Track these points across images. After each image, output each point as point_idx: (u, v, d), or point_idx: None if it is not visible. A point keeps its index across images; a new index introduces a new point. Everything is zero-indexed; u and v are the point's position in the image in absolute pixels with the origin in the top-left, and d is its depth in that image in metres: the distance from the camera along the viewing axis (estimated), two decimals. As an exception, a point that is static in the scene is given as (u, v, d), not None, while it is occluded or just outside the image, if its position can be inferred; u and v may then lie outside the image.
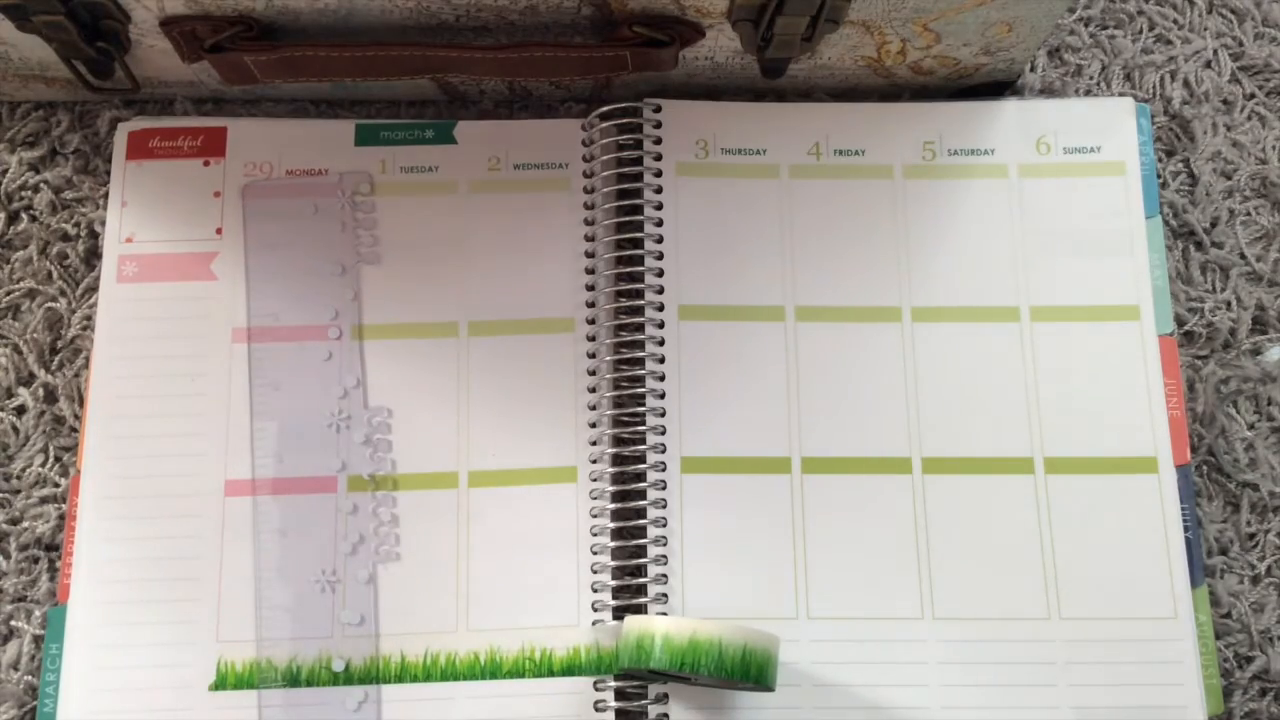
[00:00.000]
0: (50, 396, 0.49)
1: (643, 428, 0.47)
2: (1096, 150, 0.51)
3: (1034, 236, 0.50)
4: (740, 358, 0.48)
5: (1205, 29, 0.55)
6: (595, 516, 0.47)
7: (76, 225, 0.50)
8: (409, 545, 0.46)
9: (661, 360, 0.48)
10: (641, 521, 0.46)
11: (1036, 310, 0.49)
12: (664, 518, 0.46)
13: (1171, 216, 0.52)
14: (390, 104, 0.53)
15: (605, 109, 0.50)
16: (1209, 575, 0.48)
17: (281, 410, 0.47)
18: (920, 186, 0.51)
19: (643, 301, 0.49)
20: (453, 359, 0.48)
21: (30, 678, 0.46)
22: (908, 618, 0.46)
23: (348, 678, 0.45)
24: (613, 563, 0.46)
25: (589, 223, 0.50)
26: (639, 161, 0.50)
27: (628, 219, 0.50)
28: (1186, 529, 0.47)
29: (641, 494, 0.47)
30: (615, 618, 0.46)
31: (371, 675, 0.45)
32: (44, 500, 0.48)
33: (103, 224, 0.50)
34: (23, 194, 0.51)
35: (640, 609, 0.45)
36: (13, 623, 0.46)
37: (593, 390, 0.48)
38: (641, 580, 0.46)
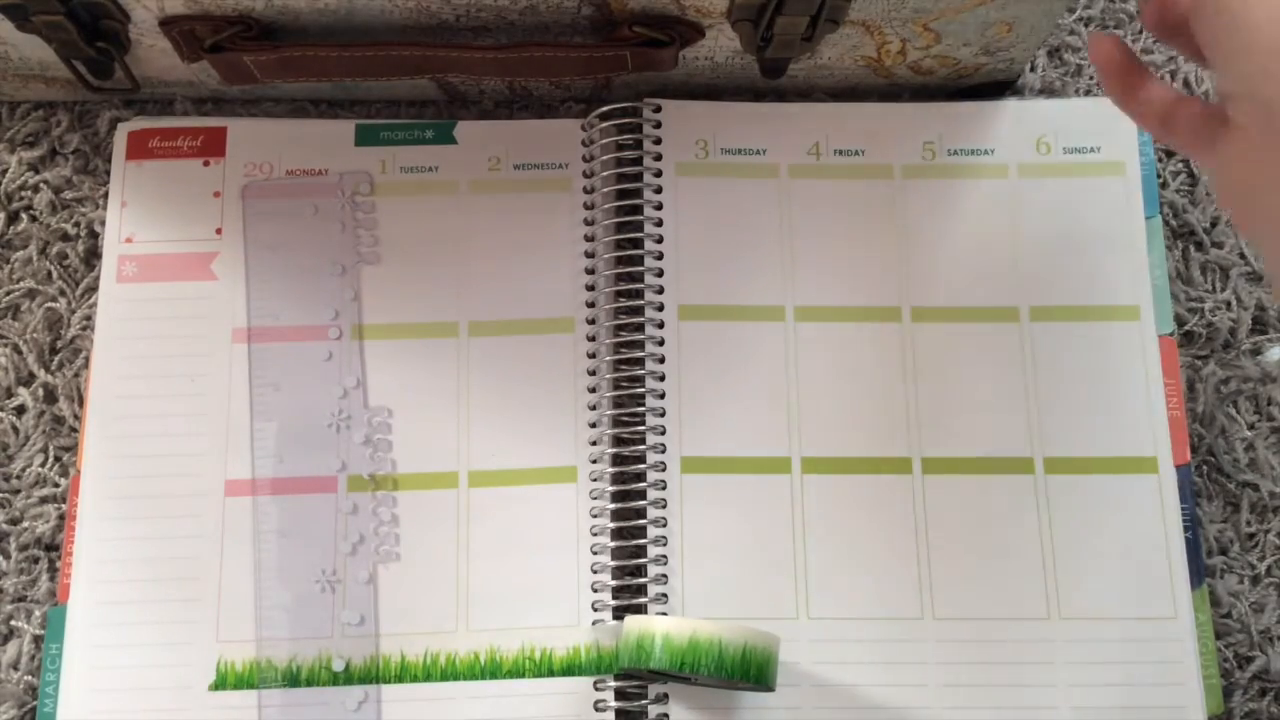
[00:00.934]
0: (50, 396, 0.49)
1: (643, 428, 0.47)
2: (1096, 150, 0.51)
3: (1034, 236, 0.50)
4: (740, 358, 0.48)
5: (1205, 29, 0.55)
6: (595, 516, 0.47)
7: (76, 225, 0.50)
8: (409, 545, 0.46)
9: (661, 360, 0.48)
10: (641, 521, 0.46)
11: (1036, 310, 0.49)
12: (664, 518, 0.46)
13: (1171, 216, 0.52)
14: (390, 104, 0.53)
15: (605, 109, 0.50)
16: (1209, 575, 0.48)
17: (282, 410, 0.47)
18: (920, 186, 0.51)
19: (643, 301, 0.49)
20: (453, 359, 0.48)
21: (30, 678, 0.46)
22: (908, 618, 0.46)
23: (348, 678, 0.45)
24: (613, 563, 0.46)
25: (589, 223, 0.50)
26: (639, 161, 0.50)
27: (628, 219, 0.50)
28: (1186, 529, 0.47)
29: (641, 494, 0.47)
30: (615, 618, 0.46)
31: (371, 675, 0.45)
32: (44, 500, 0.48)
33: (103, 224, 0.50)
34: (23, 194, 0.51)
35: (640, 609, 0.45)
36: (13, 623, 0.46)
37: (593, 390, 0.48)
38: (641, 580, 0.46)
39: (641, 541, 0.46)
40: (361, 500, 0.47)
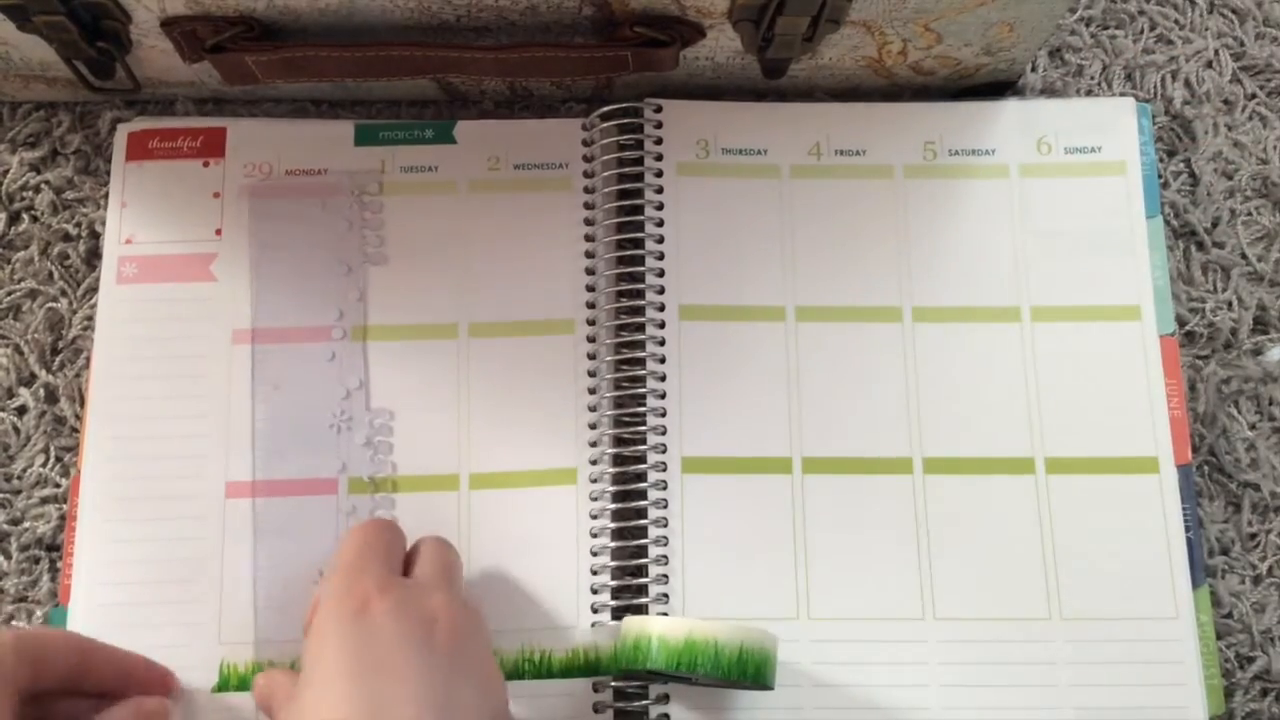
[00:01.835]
0: (51, 397, 0.49)
1: (643, 428, 0.47)
2: (1097, 150, 0.51)
3: (1035, 236, 0.50)
4: (740, 358, 0.48)
5: (1206, 29, 0.55)
6: (595, 517, 0.47)
7: (77, 225, 0.51)
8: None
9: (662, 360, 0.48)
10: (641, 522, 0.46)
11: (1037, 310, 0.49)
12: (664, 518, 0.46)
13: (1172, 216, 0.52)
14: (391, 104, 0.53)
15: (606, 109, 0.50)
16: (1210, 575, 0.48)
17: (283, 411, 0.47)
18: (921, 186, 0.51)
19: (643, 301, 0.49)
20: (453, 361, 0.48)
21: (31, 678, 0.46)
22: (908, 618, 0.46)
23: None
24: (613, 563, 0.46)
25: (589, 223, 0.50)
26: (639, 161, 0.50)
27: (628, 219, 0.50)
28: (1187, 529, 0.47)
29: (641, 494, 0.47)
30: (615, 618, 0.45)
31: None
32: (45, 500, 0.48)
33: (104, 224, 0.50)
34: (24, 194, 0.51)
35: (641, 609, 0.45)
36: (14, 623, 0.46)
37: (593, 391, 0.48)
38: (642, 580, 0.46)
39: (642, 542, 0.46)
40: (362, 503, 0.47)
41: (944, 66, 0.50)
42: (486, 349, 0.48)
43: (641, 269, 0.49)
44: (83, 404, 0.48)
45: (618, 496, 0.47)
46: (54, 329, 0.50)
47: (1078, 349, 0.49)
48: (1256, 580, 0.48)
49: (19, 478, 0.48)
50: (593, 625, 0.46)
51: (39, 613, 0.46)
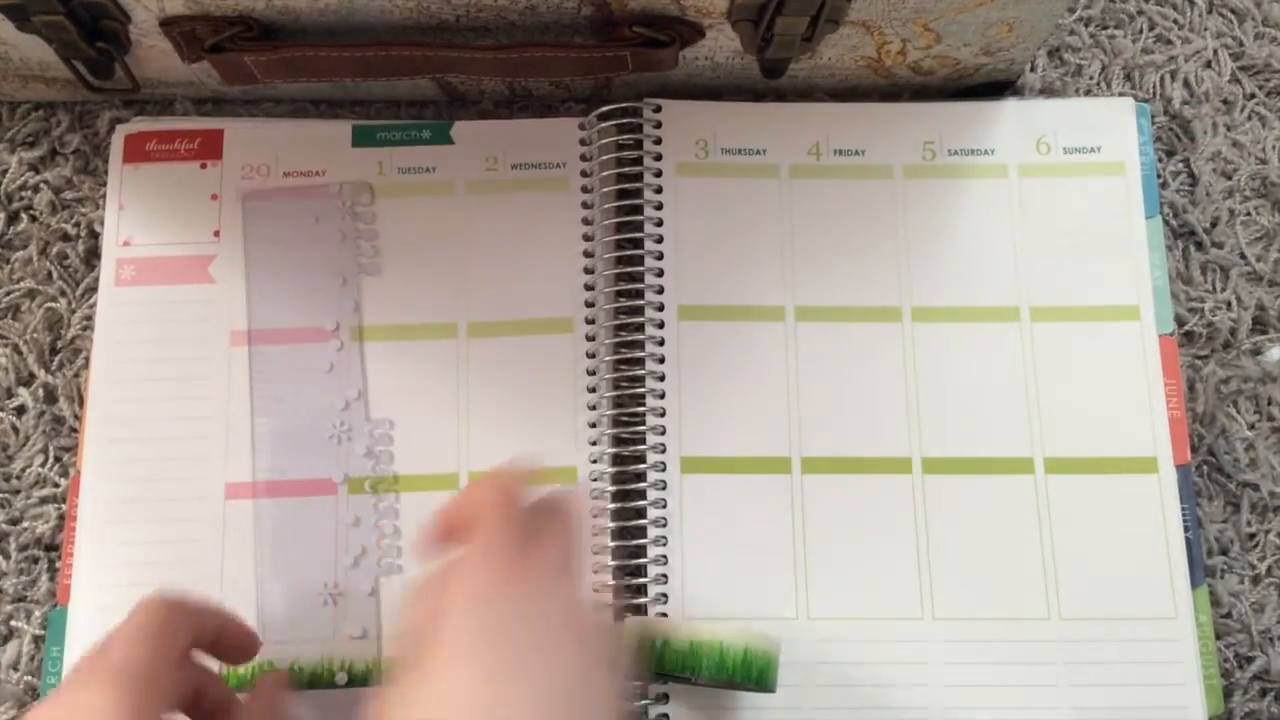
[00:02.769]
0: (50, 397, 0.49)
1: (643, 428, 0.47)
2: (1096, 150, 0.51)
3: (1034, 236, 0.50)
4: (740, 358, 0.48)
5: (1205, 29, 0.55)
6: (595, 517, 0.47)
7: (76, 225, 0.50)
8: (411, 557, 0.46)
9: (661, 360, 0.48)
10: (642, 521, 0.46)
11: (1036, 310, 0.49)
12: (664, 518, 0.46)
13: (1171, 216, 0.52)
14: (391, 104, 0.53)
15: (605, 109, 0.50)
16: (1209, 575, 0.48)
17: (282, 414, 0.47)
18: (920, 186, 0.51)
19: (643, 301, 0.49)
20: (452, 361, 0.48)
21: (30, 678, 0.46)
22: (908, 618, 0.46)
23: (349, 687, 0.45)
24: (613, 563, 0.46)
25: (588, 223, 0.50)
26: (639, 161, 0.50)
27: (627, 219, 0.50)
28: (1187, 529, 0.47)
29: (641, 494, 0.47)
30: (615, 618, 0.45)
31: (374, 682, 0.45)
32: (44, 500, 0.48)
33: (102, 224, 0.50)
34: (23, 194, 0.51)
35: (640, 609, 0.45)
36: (13, 623, 0.46)
37: (593, 390, 0.48)
38: (642, 580, 0.46)
39: (642, 541, 0.46)
40: (363, 510, 0.46)
41: (943, 66, 0.50)
42: (486, 349, 0.48)
43: (641, 269, 0.49)
44: (82, 404, 0.48)
45: (617, 496, 0.47)
46: (53, 329, 0.50)
47: (1077, 349, 0.49)
48: (1255, 580, 0.48)
49: (18, 478, 0.48)
50: (592, 625, 0.46)
51: (38, 613, 0.46)
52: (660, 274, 0.49)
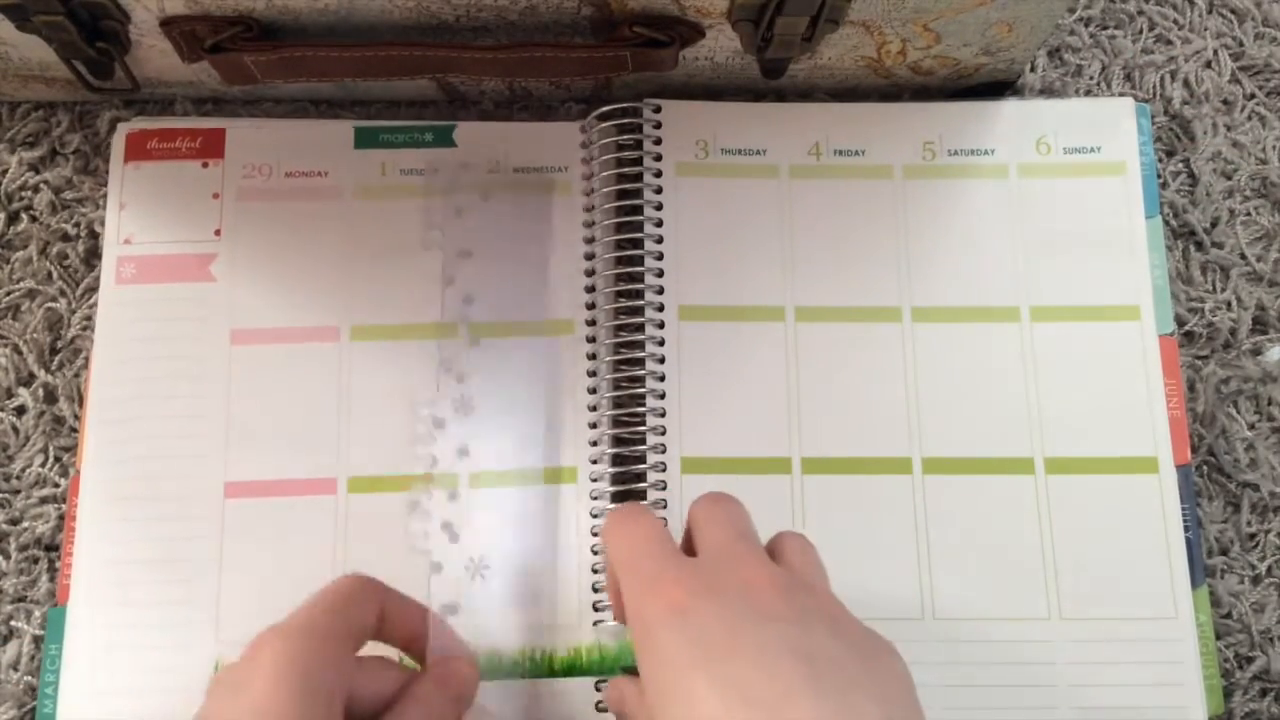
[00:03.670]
0: (50, 396, 0.49)
1: (643, 428, 0.47)
2: (1096, 150, 0.51)
3: (1034, 236, 0.50)
4: (740, 358, 0.48)
5: (1205, 29, 0.55)
6: (595, 517, 0.47)
7: (76, 225, 0.50)
8: None
9: (661, 360, 0.48)
10: (641, 522, 0.46)
11: (1036, 310, 0.49)
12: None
13: (1172, 216, 0.52)
14: (391, 104, 0.53)
15: (605, 109, 0.50)
16: (1209, 575, 0.48)
17: (281, 413, 0.47)
18: (920, 186, 0.51)
19: (643, 302, 0.49)
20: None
21: (30, 678, 0.46)
22: (908, 618, 0.46)
23: None
24: (613, 563, 0.46)
25: (588, 224, 0.50)
26: (639, 162, 0.50)
27: (628, 219, 0.50)
28: (1187, 529, 0.47)
29: (641, 494, 0.47)
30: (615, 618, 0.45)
31: None
32: (44, 500, 0.48)
33: (103, 224, 0.50)
34: (23, 194, 0.51)
35: (640, 609, 0.45)
36: (13, 623, 0.46)
37: (593, 391, 0.48)
38: (641, 580, 0.46)
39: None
40: (363, 505, 0.46)
41: (943, 66, 0.50)
42: (485, 349, 0.48)
43: (641, 269, 0.49)
44: (81, 404, 0.48)
45: (617, 496, 0.47)
46: (53, 329, 0.50)
47: (1077, 349, 0.49)
48: (1255, 580, 0.48)
49: (18, 478, 0.48)
50: (594, 625, 0.46)
51: (38, 613, 0.46)
52: (660, 274, 0.49)
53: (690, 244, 0.49)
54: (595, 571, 0.46)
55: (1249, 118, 0.54)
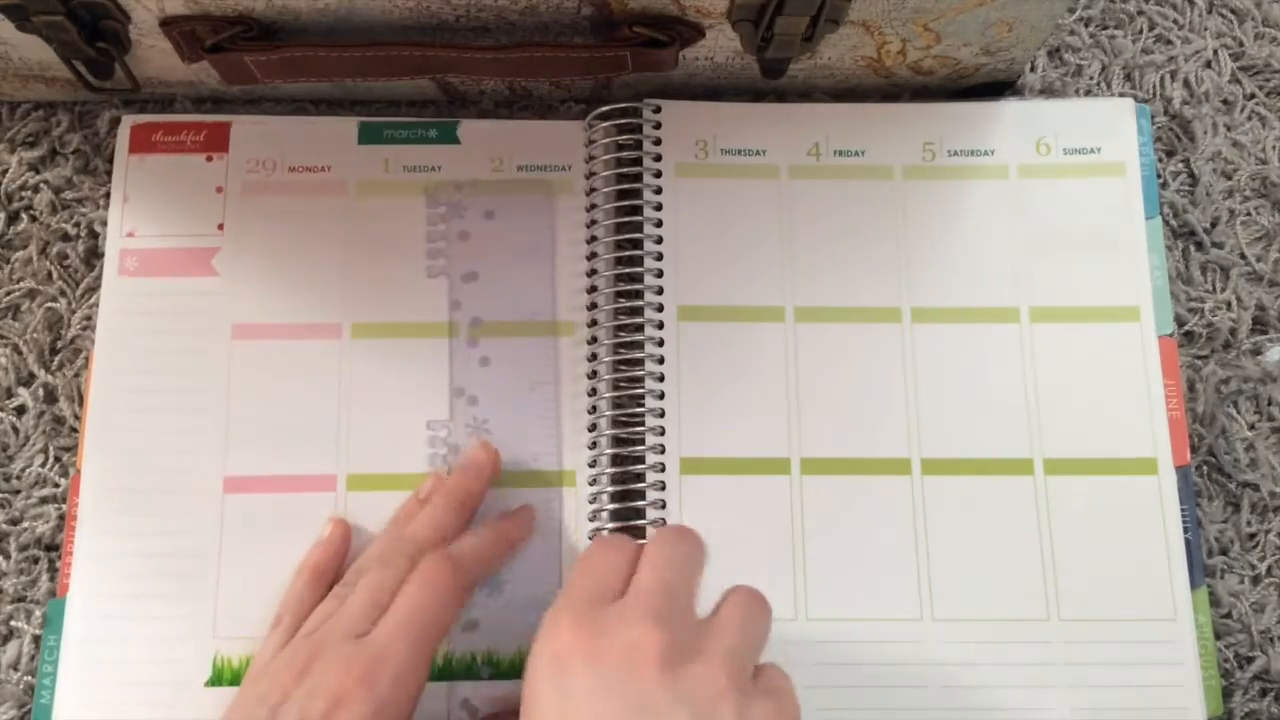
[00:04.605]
0: (50, 397, 0.49)
1: (642, 428, 0.47)
2: (1096, 151, 0.51)
3: (1034, 237, 0.50)
4: (740, 358, 0.48)
5: (1205, 29, 0.55)
6: (594, 517, 0.47)
7: (76, 225, 0.50)
8: None
9: (661, 361, 0.48)
10: (641, 522, 0.46)
11: (1036, 311, 0.49)
12: (663, 519, 0.46)
13: (1171, 217, 0.52)
14: (390, 104, 0.53)
15: (604, 109, 0.50)
16: (1209, 576, 0.48)
17: (281, 409, 0.47)
18: (920, 187, 0.51)
19: (642, 302, 0.49)
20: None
21: (30, 678, 0.46)
22: (907, 618, 0.46)
23: None
24: (612, 563, 0.46)
25: (589, 224, 0.50)
26: (639, 162, 0.50)
27: (627, 220, 0.50)
28: (1186, 529, 0.47)
29: (640, 495, 0.47)
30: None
31: None
32: (44, 500, 0.48)
33: (103, 224, 0.50)
34: (23, 194, 0.51)
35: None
36: (13, 623, 0.46)
37: (592, 392, 0.48)
38: (641, 580, 0.46)
39: (642, 542, 0.46)
40: (362, 502, 0.47)
41: (943, 66, 0.50)
42: (485, 349, 0.48)
43: (640, 270, 0.49)
44: (81, 404, 0.48)
45: (617, 497, 0.47)
46: (53, 329, 0.50)
47: (1076, 349, 0.49)
48: (1255, 580, 0.48)
49: (18, 477, 0.48)
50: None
51: (38, 613, 0.46)
52: (660, 275, 0.49)
53: (690, 244, 0.49)
54: (595, 571, 0.46)
55: (1249, 118, 0.54)
